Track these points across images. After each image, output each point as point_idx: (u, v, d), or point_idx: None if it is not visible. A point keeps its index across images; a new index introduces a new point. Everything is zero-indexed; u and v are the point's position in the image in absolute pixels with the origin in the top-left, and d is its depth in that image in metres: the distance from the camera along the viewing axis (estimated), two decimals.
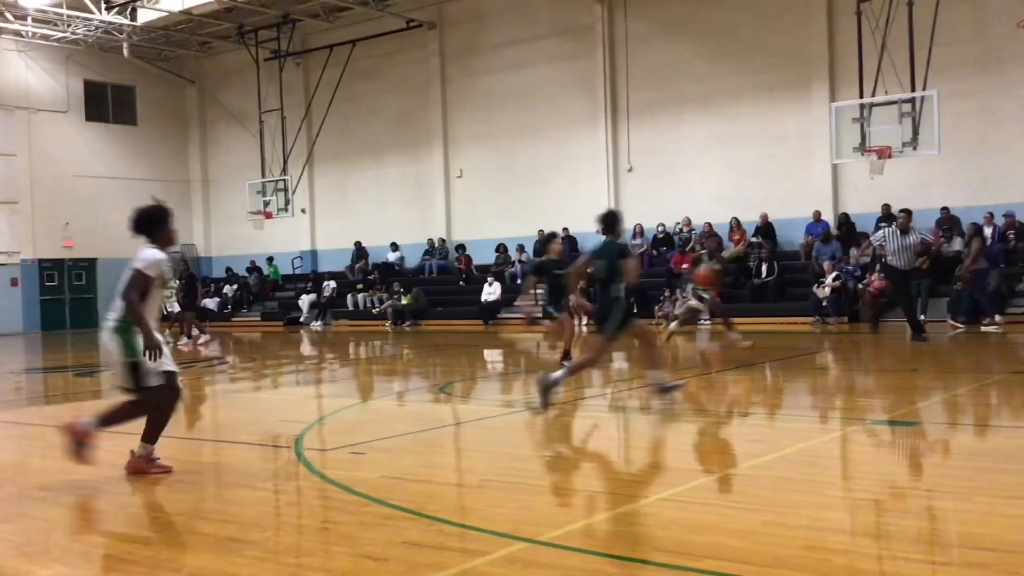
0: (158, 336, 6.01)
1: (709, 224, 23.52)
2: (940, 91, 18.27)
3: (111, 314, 6.18)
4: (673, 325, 15.49)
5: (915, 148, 18.20)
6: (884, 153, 18.41)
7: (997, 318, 17.25)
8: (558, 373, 8.90)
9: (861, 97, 19.06)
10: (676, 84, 24.59)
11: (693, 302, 14.71)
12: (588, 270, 9.41)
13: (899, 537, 4.60)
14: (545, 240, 12.95)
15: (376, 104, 30.00)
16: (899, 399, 8.97)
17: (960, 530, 4.72)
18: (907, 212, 15.23)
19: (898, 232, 14.87)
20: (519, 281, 25.88)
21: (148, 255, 6.08)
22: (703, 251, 12.91)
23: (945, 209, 20.59)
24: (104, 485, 6.25)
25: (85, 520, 5.69)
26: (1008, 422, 8.22)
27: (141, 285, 6.02)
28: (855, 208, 22.12)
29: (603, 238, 9.19)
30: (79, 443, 6.14)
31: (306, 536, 5.07)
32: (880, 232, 15.66)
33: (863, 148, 18.64)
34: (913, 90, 18.40)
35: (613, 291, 8.82)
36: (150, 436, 6.28)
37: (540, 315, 12.79)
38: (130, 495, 6.07)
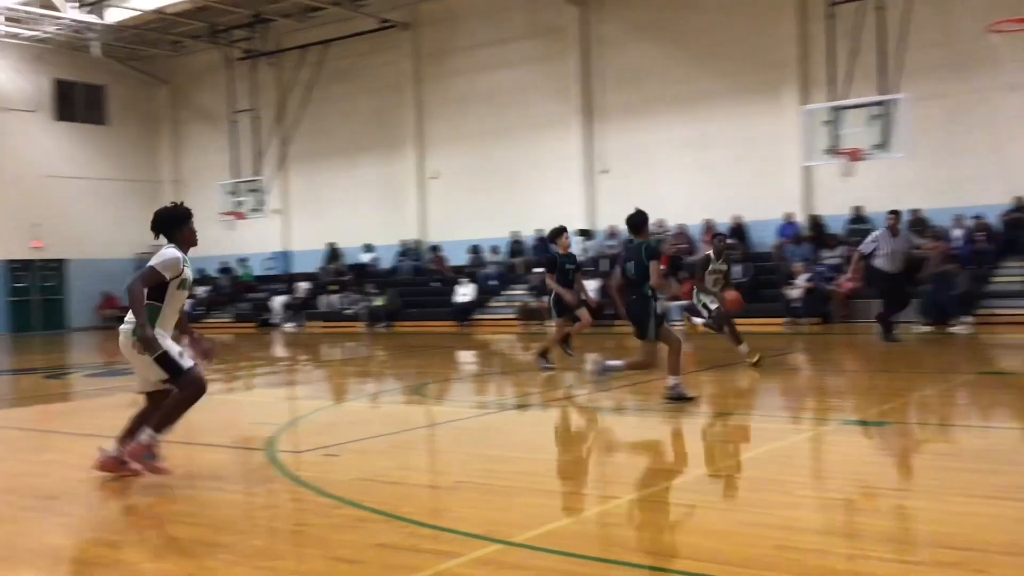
0: (156, 331, 5.95)
1: (682, 226, 23.64)
2: (910, 94, 18.45)
3: (128, 313, 6.06)
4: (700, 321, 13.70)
5: (885, 151, 18.37)
6: (855, 155, 18.57)
7: (966, 319, 17.44)
8: (617, 362, 9.20)
9: (832, 100, 19.22)
10: (649, 86, 24.68)
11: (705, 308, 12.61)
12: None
13: (871, 536, 4.64)
14: (554, 234, 12.33)
15: (350, 105, 29.90)
16: (870, 399, 9.05)
17: (930, 529, 4.77)
18: (895, 213, 15.12)
19: (889, 234, 14.73)
20: (491, 283, 25.92)
21: (165, 253, 6.07)
22: (708, 252, 12.28)
23: (915, 211, 20.79)
24: (72, 488, 6.18)
25: (53, 524, 5.62)
26: (977, 422, 8.32)
27: (151, 281, 5.97)
28: (826, 210, 22.28)
29: (632, 239, 9.31)
30: (148, 456, 6.01)
31: (279, 539, 5.04)
32: (872, 235, 15.41)
33: (834, 151, 18.79)
34: (883, 93, 18.57)
35: (644, 292, 8.91)
36: (161, 424, 6.11)
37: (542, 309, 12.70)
38: (99, 498, 6.01)
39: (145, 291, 5.98)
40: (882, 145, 18.32)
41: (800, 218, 22.57)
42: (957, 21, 20.60)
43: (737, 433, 8.13)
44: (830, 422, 8.25)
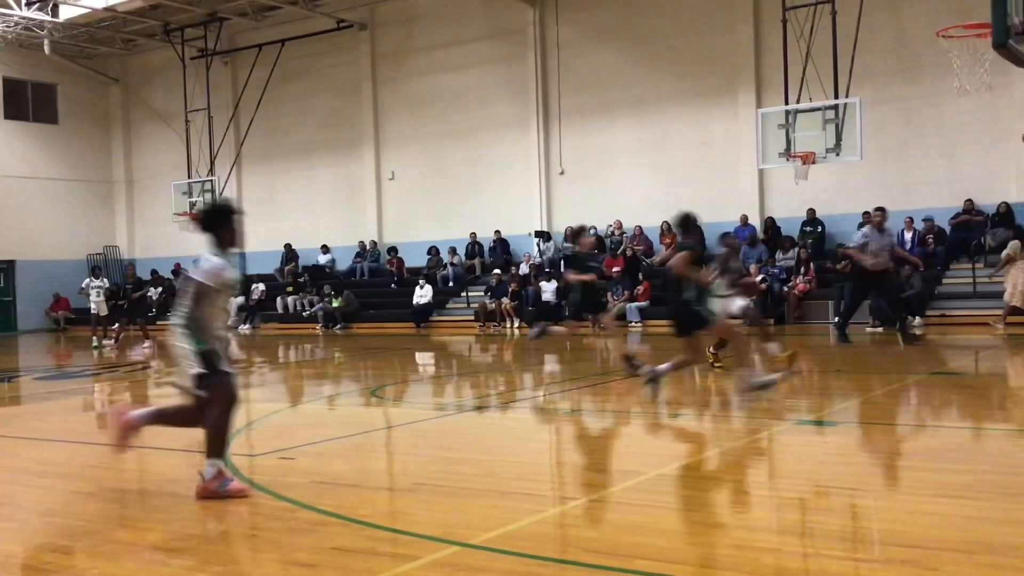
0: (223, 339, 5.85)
1: (639, 227, 23.79)
2: (862, 98, 18.71)
3: (176, 318, 5.87)
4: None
5: (838, 154, 18.60)
6: (808, 158, 18.79)
7: (917, 320, 17.71)
8: (665, 366, 9.07)
9: (786, 103, 19.43)
10: (607, 89, 24.80)
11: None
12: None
13: (825, 535, 4.69)
14: (575, 233, 12.00)
15: (306, 105, 29.69)
16: (824, 399, 9.16)
17: (884, 528, 4.83)
18: (881, 210, 15.03)
19: (876, 231, 14.64)
20: (451, 284, 25.88)
21: (210, 267, 5.85)
22: (727, 250, 11.70)
23: (867, 213, 21.06)
24: (21, 493, 6.07)
25: (2, 529, 5.50)
26: (928, 421, 8.44)
27: (203, 299, 5.84)
28: (780, 212, 22.54)
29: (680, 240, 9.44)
30: (221, 486, 5.68)
31: (234, 543, 4.98)
32: (860, 232, 15.23)
33: (788, 154, 18.99)
34: (836, 97, 18.81)
35: (685, 293, 8.90)
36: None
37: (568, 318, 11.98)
38: (49, 504, 5.90)
39: (201, 304, 5.82)
40: (835, 148, 18.55)
41: (755, 220, 22.80)
42: (908, 27, 20.95)
43: (693, 433, 8.19)
44: (785, 422, 8.33)
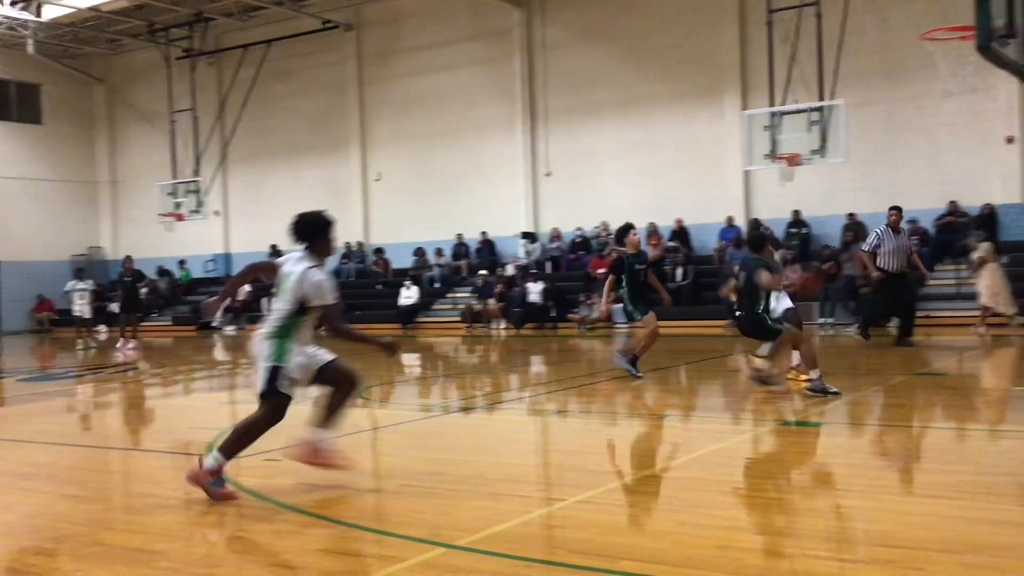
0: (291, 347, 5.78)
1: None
2: (847, 100, 18.79)
3: (267, 323, 5.86)
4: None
5: (823, 156, 18.68)
6: (794, 160, 18.86)
7: (898, 321, 17.74)
8: (814, 375, 9.11)
9: (772, 105, 19.51)
10: (593, 90, 24.83)
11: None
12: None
13: (809, 536, 4.71)
14: (621, 232, 11.31)
15: (292, 105, 29.62)
16: (808, 401, 9.18)
17: (868, 528, 4.85)
18: (897, 209, 14.57)
19: (890, 231, 14.20)
20: (437, 285, 25.86)
21: (321, 287, 5.78)
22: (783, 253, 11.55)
23: (851, 215, 21.20)
24: (4, 496, 6.03)
25: None
26: (912, 422, 8.48)
27: (338, 313, 5.87)
28: (766, 213, 22.60)
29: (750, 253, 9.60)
30: (213, 483, 5.62)
31: (219, 546, 4.96)
32: (873, 234, 14.65)
33: (773, 155, 19.06)
34: (821, 99, 18.89)
35: (751, 305, 9.25)
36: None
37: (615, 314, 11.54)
38: (33, 506, 5.87)
39: (303, 317, 5.81)
40: (820, 150, 18.63)
41: (741, 221, 22.86)
42: (893, 29, 21.05)
43: (679, 434, 8.21)
44: (769, 423, 8.36)
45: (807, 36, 19.37)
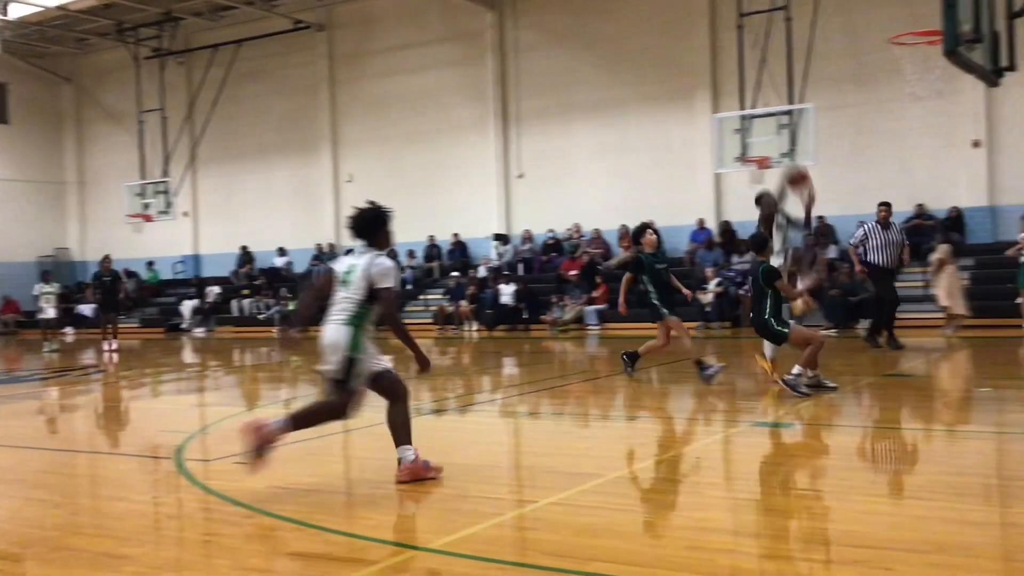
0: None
1: (598, 231, 23.91)
2: (816, 104, 18.94)
3: (340, 312, 5.92)
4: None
5: (792, 159, 18.81)
6: (763, 163, 18.99)
7: (869, 323, 17.89)
8: (796, 370, 9.18)
9: (742, 108, 19.63)
10: (565, 92, 24.88)
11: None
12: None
13: (780, 536, 4.74)
14: (638, 232, 11.07)
15: (262, 106, 29.44)
16: (779, 401, 9.25)
17: (838, 528, 4.89)
18: (886, 205, 14.34)
19: (879, 227, 14.02)
20: (409, 287, 25.79)
21: (386, 265, 5.91)
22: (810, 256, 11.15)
23: (820, 218, 21.36)
24: None
25: None
26: (881, 423, 8.56)
27: (397, 301, 5.93)
28: (736, 216, 22.73)
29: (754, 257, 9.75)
30: (261, 448, 5.78)
31: (187, 550, 4.92)
32: (860, 230, 14.40)
33: (744, 158, 19.19)
34: (791, 103, 19.04)
35: (760, 308, 9.38)
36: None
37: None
38: None
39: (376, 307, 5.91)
40: (789, 153, 18.76)
41: (712, 224, 22.99)
42: (862, 34, 21.25)
43: (650, 436, 8.23)
44: (740, 424, 8.40)
45: (777, 40, 19.53)
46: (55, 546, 4.96)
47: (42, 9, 27.36)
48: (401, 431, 6.06)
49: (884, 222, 14.12)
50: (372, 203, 6.21)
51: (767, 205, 10.76)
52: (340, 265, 6.08)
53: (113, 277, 21.03)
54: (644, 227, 11.06)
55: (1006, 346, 15.35)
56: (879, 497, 5.42)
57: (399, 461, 6.00)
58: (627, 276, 11.15)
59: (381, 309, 5.90)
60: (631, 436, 8.23)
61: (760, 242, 9.78)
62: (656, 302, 10.80)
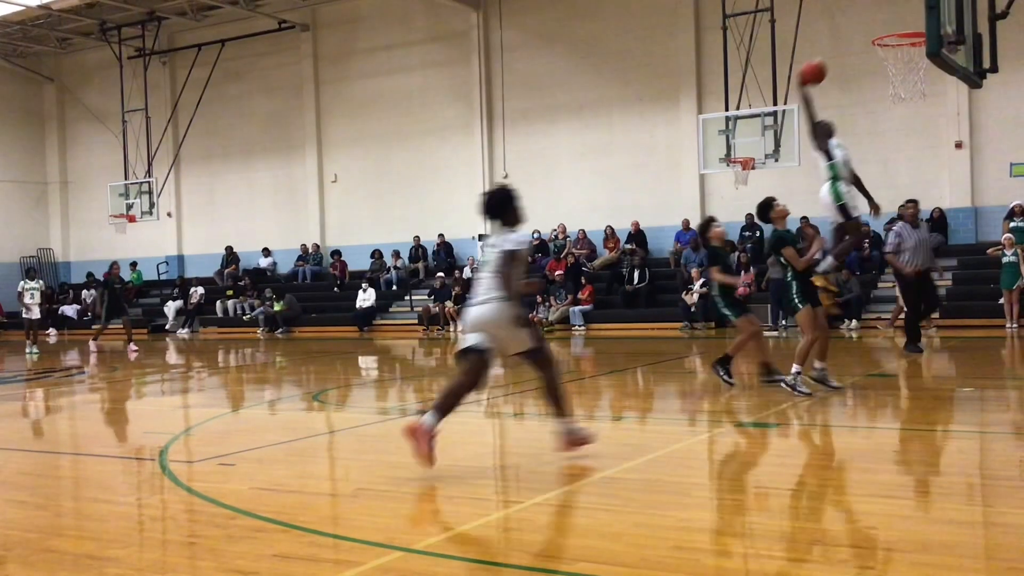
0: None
1: (583, 231, 23.95)
2: (800, 105, 19.00)
3: (485, 292, 6.26)
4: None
5: (776, 160, 18.92)
6: (748, 164, 19.07)
7: (854, 323, 18.03)
8: (795, 369, 9.20)
9: (727, 110, 19.70)
10: (550, 93, 24.91)
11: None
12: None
13: (764, 536, 4.75)
14: (703, 226, 10.62)
15: (247, 106, 29.35)
16: (763, 402, 9.28)
17: (821, 527, 4.90)
18: (914, 202, 13.56)
19: (909, 226, 13.15)
20: (394, 287, 25.76)
21: (518, 237, 6.31)
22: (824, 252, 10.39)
23: (804, 218, 21.42)
24: None
25: None
26: (862, 423, 8.60)
27: (513, 263, 6.23)
28: (721, 217, 22.42)
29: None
30: (429, 448, 6.09)
31: (171, 551, 4.90)
32: (893, 231, 13.51)
33: (728, 159, 19.25)
34: (775, 104, 19.12)
35: (774, 275, 9.30)
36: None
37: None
38: None
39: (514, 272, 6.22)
40: (774, 154, 18.85)
41: (696, 224, 23.03)
42: (845, 36, 21.37)
43: (635, 436, 8.24)
44: (724, 424, 8.43)
45: (761, 41, 19.60)
46: (38, 548, 4.93)
47: (24, 8, 27.20)
48: (556, 402, 6.57)
49: (913, 220, 13.20)
50: (500, 184, 6.61)
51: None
52: (487, 244, 6.47)
53: (122, 283, 21.62)
54: (710, 220, 10.66)
55: (989, 346, 15.44)
56: (863, 496, 5.44)
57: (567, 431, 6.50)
58: (715, 269, 10.26)
59: (501, 265, 6.19)
60: (615, 436, 8.24)
61: (765, 207, 9.86)
62: (723, 303, 10.25)
